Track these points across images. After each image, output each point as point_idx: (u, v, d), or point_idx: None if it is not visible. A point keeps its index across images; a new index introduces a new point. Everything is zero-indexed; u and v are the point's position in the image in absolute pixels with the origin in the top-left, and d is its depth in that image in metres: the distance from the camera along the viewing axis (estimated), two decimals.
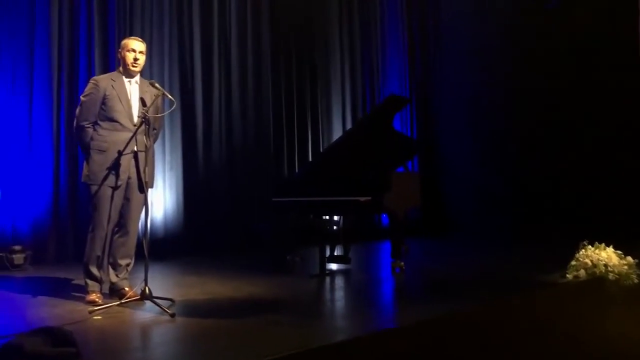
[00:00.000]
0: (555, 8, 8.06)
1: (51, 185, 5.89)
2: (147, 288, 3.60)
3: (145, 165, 3.76)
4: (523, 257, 6.29)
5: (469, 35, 9.51)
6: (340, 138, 6.21)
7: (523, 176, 8.56)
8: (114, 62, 5.90)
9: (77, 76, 6.09)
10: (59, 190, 5.92)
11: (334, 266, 5.43)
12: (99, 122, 3.78)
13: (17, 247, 5.48)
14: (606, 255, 4.45)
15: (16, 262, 5.41)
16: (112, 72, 4.02)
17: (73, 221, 5.95)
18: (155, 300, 3.56)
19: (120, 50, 3.93)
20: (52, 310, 3.59)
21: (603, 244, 4.58)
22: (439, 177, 9.66)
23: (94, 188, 3.74)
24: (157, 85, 3.88)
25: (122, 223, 3.86)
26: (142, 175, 3.78)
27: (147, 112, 3.76)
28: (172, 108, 4.05)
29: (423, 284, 4.84)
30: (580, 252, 4.54)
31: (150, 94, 3.94)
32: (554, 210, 7.93)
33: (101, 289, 3.83)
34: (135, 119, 3.84)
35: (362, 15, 9.21)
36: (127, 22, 6.49)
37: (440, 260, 6.38)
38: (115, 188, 3.76)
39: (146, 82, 3.97)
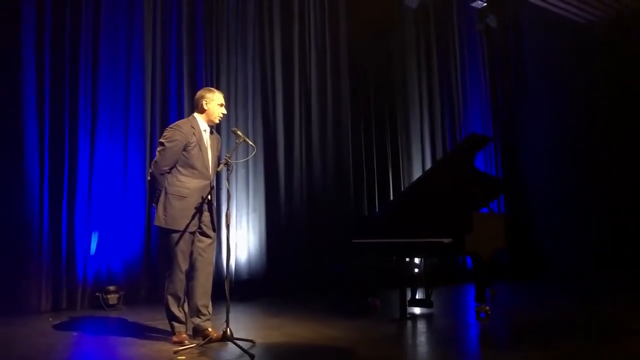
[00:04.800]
0: None
1: (143, 228, 6.19)
2: (228, 329, 3.69)
3: (229, 209, 3.91)
4: (620, 301, 5.89)
5: (553, 71, 9.27)
6: (420, 178, 6.15)
7: (618, 216, 8.10)
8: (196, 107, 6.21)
9: (168, 123, 6.43)
10: (150, 233, 6.21)
11: (415, 310, 5.32)
12: (179, 168, 3.94)
13: (111, 288, 5.77)
14: None
15: (111, 302, 5.70)
16: (189, 119, 4.14)
17: (163, 263, 6.19)
18: (236, 341, 3.63)
19: (205, 100, 4.08)
20: (139, 350, 3.74)
21: None
22: (528, 217, 9.30)
23: (171, 232, 3.88)
24: (239, 132, 4.04)
25: (197, 266, 3.97)
26: (215, 218, 3.99)
27: (229, 158, 3.91)
28: (253, 153, 4.19)
29: (509, 329, 4.64)
30: None
31: (217, 144, 4.17)
32: None
33: (186, 330, 3.95)
34: (210, 167, 4.01)
35: (441, 54, 9.21)
36: (213, 71, 6.87)
37: (529, 305, 6.09)
38: (191, 233, 3.92)
39: (214, 131, 4.20)
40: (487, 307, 4.81)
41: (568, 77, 9.01)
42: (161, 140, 4.00)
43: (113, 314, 5.41)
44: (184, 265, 3.90)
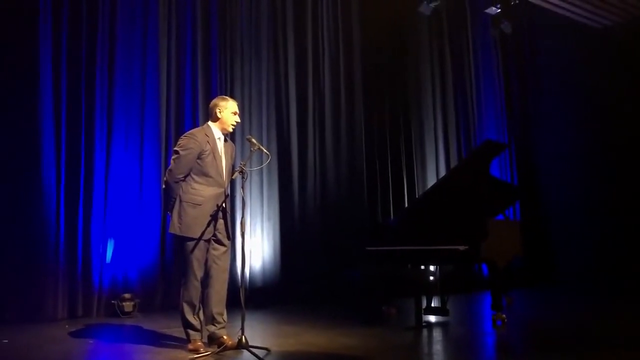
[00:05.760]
0: None
1: (158, 237, 6.21)
2: (243, 337, 3.70)
3: (244, 217, 3.93)
4: (637, 308, 5.80)
5: (568, 76, 9.20)
6: (434, 185, 6.11)
7: (634, 221, 7.99)
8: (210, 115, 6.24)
9: (182, 131, 6.44)
10: (165, 240, 6.23)
11: (431, 318, 5.28)
12: (193, 176, 3.96)
13: (127, 295, 5.79)
14: None
15: (126, 309, 5.72)
16: (203, 127, 4.16)
17: (178, 270, 6.20)
18: (252, 349, 3.63)
19: (218, 109, 4.10)
20: (155, 357, 3.75)
21: None
22: (544, 224, 9.22)
23: (186, 240, 3.89)
24: (253, 140, 4.06)
25: (212, 274, 3.98)
26: (229, 226, 4.00)
27: (244, 165, 3.92)
28: (268, 161, 4.19)
29: (526, 337, 4.59)
30: None
31: (232, 152, 4.18)
32: None
33: (201, 337, 3.95)
34: (224, 175, 4.02)
35: (455, 60, 9.18)
36: (227, 79, 6.91)
37: (546, 313, 6.03)
38: (206, 240, 3.92)
39: (229, 139, 4.21)
40: (504, 315, 4.76)
41: (583, 82, 8.95)
42: (176, 148, 4.02)
43: (128, 322, 5.43)
44: (199, 273, 3.91)
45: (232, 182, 4.76)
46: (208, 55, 6.81)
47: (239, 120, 4.17)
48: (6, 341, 4.34)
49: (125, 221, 6.03)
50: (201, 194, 3.93)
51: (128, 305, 5.74)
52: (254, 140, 4.07)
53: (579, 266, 8.64)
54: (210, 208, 3.92)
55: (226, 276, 4.07)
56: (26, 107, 5.55)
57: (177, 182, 3.94)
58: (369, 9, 8.10)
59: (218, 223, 3.98)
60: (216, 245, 3.99)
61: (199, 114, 6.55)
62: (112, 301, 5.76)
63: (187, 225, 3.87)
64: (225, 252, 4.03)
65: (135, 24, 6.33)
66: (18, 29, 5.58)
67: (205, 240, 3.91)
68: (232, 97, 4.83)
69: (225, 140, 4.16)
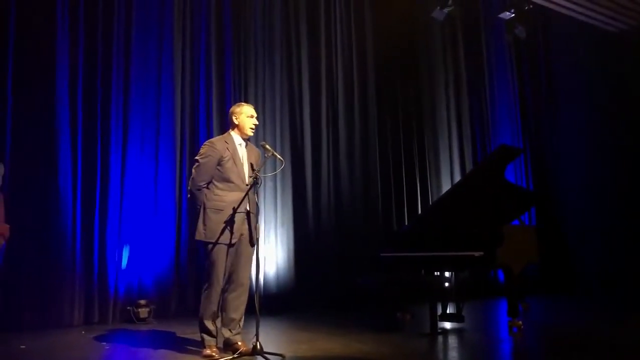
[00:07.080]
0: None
1: (173, 243, 6.24)
2: (258, 343, 3.70)
3: (256, 222, 3.93)
4: None
5: (583, 80, 9.13)
6: (449, 190, 6.07)
7: None
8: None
9: (197, 139, 6.50)
10: (180, 247, 6.26)
11: (446, 325, 5.24)
12: (215, 182, 4.01)
13: (142, 302, 5.83)
14: None
15: (141, 315, 5.75)
16: (224, 135, 4.23)
17: (193, 277, 6.24)
18: (266, 355, 3.63)
19: (235, 115, 4.16)
20: None
21: None
22: (560, 230, 9.13)
23: (210, 245, 3.92)
24: (267, 146, 4.08)
25: (233, 279, 4.00)
26: (254, 232, 3.99)
27: (258, 173, 3.95)
28: (282, 167, 4.20)
29: (543, 344, 4.54)
30: None
31: (255, 156, 4.19)
32: None
33: (217, 343, 3.96)
34: (247, 180, 4.04)
35: (469, 66, 9.15)
36: (242, 85, 6.94)
37: (562, 320, 5.96)
38: (229, 245, 3.94)
39: (251, 144, 4.22)
40: (520, 322, 4.71)
41: (598, 86, 8.87)
42: (196, 157, 4.10)
43: (144, 328, 5.45)
44: (221, 278, 3.93)
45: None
46: (222, 61, 6.85)
47: (256, 122, 4.21)
48: (23, 347, 4.39)
49: (141, 228, 6.07)
50: (223, 200, 3.95)
51: (143, 312, 5.77)
52: (267, 146, 4.09)
53: (596, 272, 8.53)
54: (233, 213, 3.93)
55: (247, 282, 4.07)
56: (43, 116, 5.62)
57: (199, 190, 4.00)
58: (382, 15, 8.10)
59: (243, 228, 4.00)
60: (240, 250, 4.01)
61: (213, 120, 6.58)
62: (128, 307, 5.80)
63: (211, 231, 3.90)
64: (247, 257, 4.04)
65: (150, 30, 6.39)
66: (36, 36, 5.66)
67: (230, 245, 3.93)
68: (247, 102, 4.86)
69: (247, 145, 4.19)
